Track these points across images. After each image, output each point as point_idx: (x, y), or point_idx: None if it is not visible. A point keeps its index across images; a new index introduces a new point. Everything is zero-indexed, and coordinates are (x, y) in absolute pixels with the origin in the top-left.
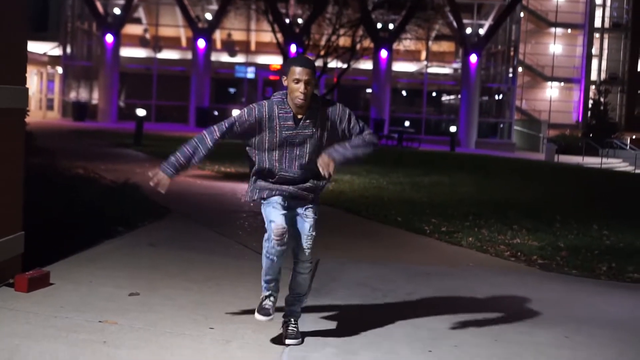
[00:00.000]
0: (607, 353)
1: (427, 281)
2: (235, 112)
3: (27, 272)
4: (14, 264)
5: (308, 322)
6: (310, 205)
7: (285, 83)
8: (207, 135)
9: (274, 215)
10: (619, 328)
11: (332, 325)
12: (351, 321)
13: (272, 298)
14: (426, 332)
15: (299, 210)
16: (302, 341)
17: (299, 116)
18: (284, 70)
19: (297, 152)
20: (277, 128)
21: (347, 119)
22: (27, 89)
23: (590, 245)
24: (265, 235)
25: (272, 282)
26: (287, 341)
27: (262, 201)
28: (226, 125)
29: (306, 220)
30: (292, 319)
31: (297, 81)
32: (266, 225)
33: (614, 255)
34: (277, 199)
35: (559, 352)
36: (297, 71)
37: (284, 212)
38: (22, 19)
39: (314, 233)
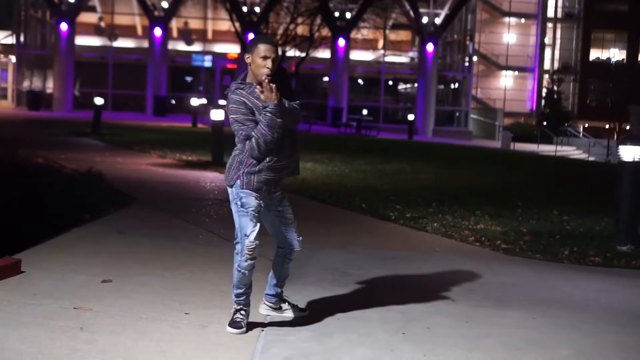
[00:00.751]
0: (572, 334)
1: (395, 266)
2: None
3: None
4: None
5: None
6: (279, 195)
7: (249, 61)
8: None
9: (249, 228)
10: (584, 310)
11: (305, 306)
12: (324, 305)
13: (242, 312)
14: (398, 314)
15: (271, 205)
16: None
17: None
18: (249, 50)
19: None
20: (255, 103)
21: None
22: None
23: (551, 230)
24: (237, 248)
25: (243, 295)
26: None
27: (240, 196)
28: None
29: (286, 212)
30: (287, 302)
31: (264, 58)
32: (238, 236)
33: (575, 240)
34: (255, 202)
35: (527, 332)
36: (263, 48)
37: (259, 223)
38: None
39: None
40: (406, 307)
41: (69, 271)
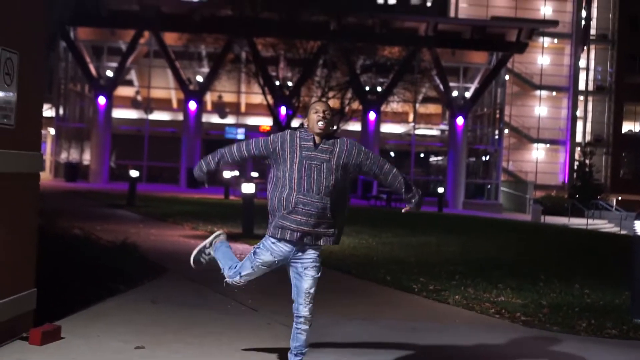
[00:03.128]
0: None
1: (415, 336)
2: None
3: (39, 326)
4: (27, 318)
5: None
6: (313, 260)
7: (306, 123)
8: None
9: (246, 267)
10: None
11: None
12: None
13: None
14: None
15: (300, 265)
16: None
17: (317, 140)
18: (308, 113)
19: (315, 176)
20: (298, 147)
21: (373, 159)
22: (42, 155)
23: (571, 303)
24: (246, 262)
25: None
26: None
27: (269, 238)
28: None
29: (304, 278)
30: None
31: (316, 111)
32: (249, 256)
33: (593, 313)
34: (282, 247)
35: None
36: (315, 105)
37: (273, 267)
38: (41, 85)
39: (312, 291)
40: None
41: (105, 338)
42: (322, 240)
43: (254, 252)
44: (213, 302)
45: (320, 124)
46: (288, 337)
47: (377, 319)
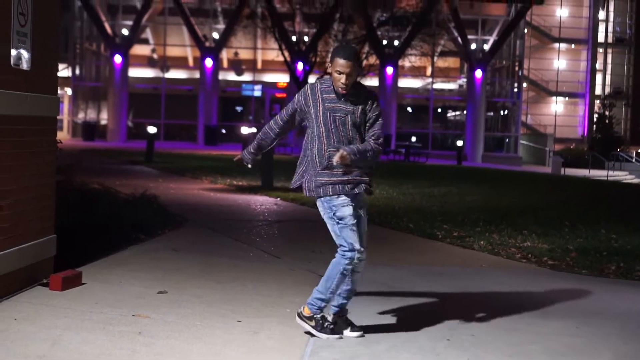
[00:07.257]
0: (614, 341)
1: (442, 280)
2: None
3: (60, 272)
4: (47, 265)
5: None
6: (363, 203)
7: (329, 70)
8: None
9: (351, 236)
10: (628, 320)
11: (354, 319)
12: (371, 315)
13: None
14: (443, 324)
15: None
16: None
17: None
18: (330, 59)
19: (341, 128)
20: (320, 100)
21: (374, 117)
22: (58, 98)
23: (598, 247)
24: (347, 253)
25: (331, 299)
26: (355, 334)
27: (327, 200)
28: (288, 112)
29: (363, 220)
30: (346, 315)
31: (339, 72)
32: (340, 240)
33: (622, 256)
34: (347, 202)
35: (569, 340)
36: (340, 63)
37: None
38: (55, 33)
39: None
40: (451, 317)
41: (127, 284)
42: (357, 189)
43: (338, 218)
44: (235, 249)
45: (342, 87)
46: (311, 282)
47: (402, 265)
